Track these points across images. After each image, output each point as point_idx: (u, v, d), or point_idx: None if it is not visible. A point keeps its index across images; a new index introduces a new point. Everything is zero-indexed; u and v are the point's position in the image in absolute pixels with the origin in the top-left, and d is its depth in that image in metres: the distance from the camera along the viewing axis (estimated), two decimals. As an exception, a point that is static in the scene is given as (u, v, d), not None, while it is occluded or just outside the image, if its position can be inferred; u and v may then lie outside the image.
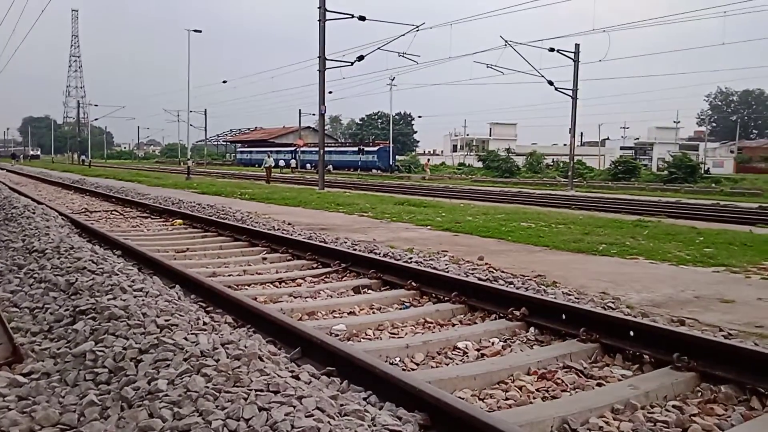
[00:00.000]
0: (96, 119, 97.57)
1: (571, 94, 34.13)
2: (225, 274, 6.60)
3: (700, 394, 3.40)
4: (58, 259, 6.11)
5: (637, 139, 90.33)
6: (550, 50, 31.49)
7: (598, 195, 27.68)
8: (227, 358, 3.09)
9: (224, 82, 48.63)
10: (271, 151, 45.34)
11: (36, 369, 3.37)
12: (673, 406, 3.20)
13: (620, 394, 3.27)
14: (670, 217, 15.04)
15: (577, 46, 33.95)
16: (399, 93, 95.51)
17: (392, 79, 56.31)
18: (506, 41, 29.68)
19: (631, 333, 4.00)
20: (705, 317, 4.88)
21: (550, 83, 33.13)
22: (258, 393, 2.68)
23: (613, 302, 5.34)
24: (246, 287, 5.96)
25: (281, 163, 65.28)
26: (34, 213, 10.76)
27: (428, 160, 66.36)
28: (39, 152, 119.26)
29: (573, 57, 33.56)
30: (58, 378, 3.22)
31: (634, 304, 5.34)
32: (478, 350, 4.17)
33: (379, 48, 27.23)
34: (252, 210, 13.79)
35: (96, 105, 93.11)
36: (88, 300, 4.37)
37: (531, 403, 3.28)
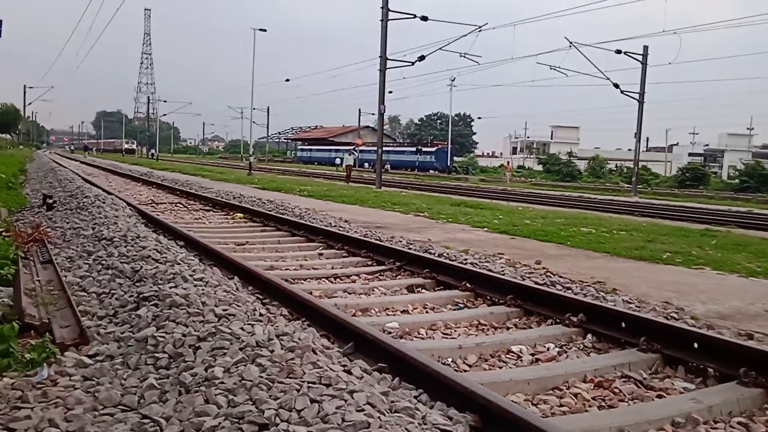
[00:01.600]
0: (164, 115, 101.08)
1: (637, 98, 33.10)
2: (282, 268, 6.71)
3: (768, 412, 3.23)
4: (125, 247, 6.36)
5: (707, 145, 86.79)
6: (617, 52, 30.65)
7: (663, 202, 26.73)
8: (282, 349, 3.14)
9: (287, 80, 49.63)
10: (331, 150, 45.87)
11: (101, 351, 3.51)
12: (739, 423, 3.05)
13: (682, 407, 3.14)
14: (740, 227, 14.38)
15: (645, 48, 32.90)
16: (459, 94, 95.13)
17: (452, 80, 56.04)
18: (571, 42, 29.05)
19: (695, 345, 3.84)
20: (776, 332, 4.64)
21: (616, 86, 32.22)
22: (310, 385, 2.71)
23: (676, 312, 5.14)
24: (302, 281, 6.04)
25: (336, 161, 66.16)
26: (104, 203, 11.23)
27: (509, 162, 60.29)
28: (134, 145, 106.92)
29: (641, 59, 32.54)
30: (120, 361, 3.35)
31: (699, 315, 5.13)
32: (532, 355, 4.10)
33: (440, 48, 27.16)
34: (310, 206, 13.98)
35: (165, 101, 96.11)
36: (151, 287, 4.53)
37: (586, 411, 3.20)
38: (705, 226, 13.38)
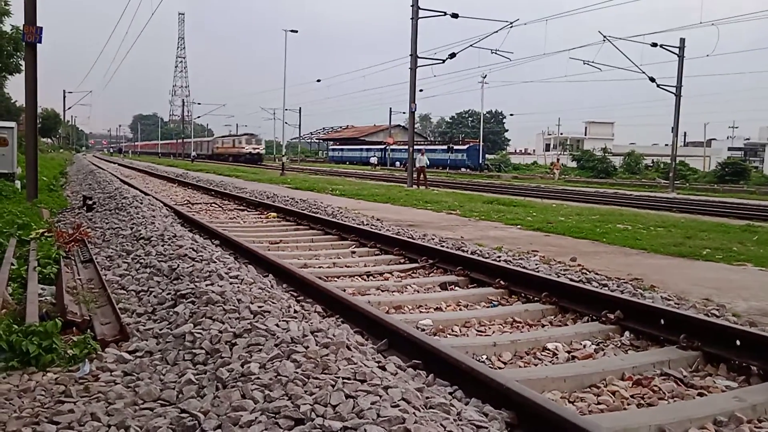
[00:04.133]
0: (198, 117, 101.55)
1: (674, 92, 32.38)
2: (315, 266, 6.76)
3: (815, 411, 3.13)
4: (162, 246, 6.48)
5: (747, 139, 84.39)
6: (652, 45, 30.01)
7: (702, 198, 26.11)
8: (316, 345, 3.16)
9: (318, 81, 49.86)
10: (362, 149, 45.73)
11: (140, 347, 3.59)
12: (785, 422, 2.96)
13: (724, 405, 3.07)
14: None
15: (682, 40, 32.15)
16: (490, 91, 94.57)
17: (484, 77, 55.64)
18: (605, 36, 28.56)
19: (738, 342, 3.74)
20: (823, 330, 4.48)
21: (652, 80, 31.55)
22: (345, 381, 2.72)
23: (717, 309, 5.02)
24: (335, 279, 6.07)
25: (372, 160, 66.34)
26: (141, 203, 11.47)
27: (558, 159, 56.00)
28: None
29: (678, 52, 31.82)
30: (159, 357, 3.42)
31: (741, 312, 5.00)
32: (568, 352, 4.05)
33: (471, 45, 26.99)
34: (342, 205, 14.04)
35: (199, 103, 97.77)
36: (188, 285, 4.61)
37: (625, 409, 3.14)
38: (746, 222, 13.02)
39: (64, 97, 73.63)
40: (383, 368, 3.06)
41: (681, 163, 45.64)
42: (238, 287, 4.46)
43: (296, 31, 42.28)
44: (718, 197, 27.80)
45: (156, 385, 2.97)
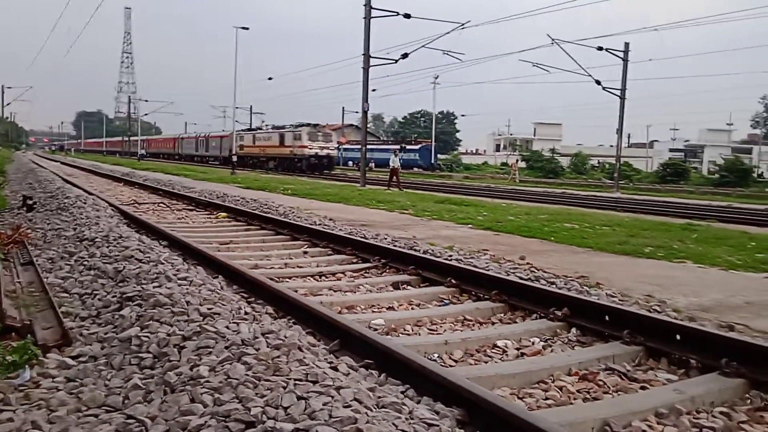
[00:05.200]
0: (146, 114, 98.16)
1: (619, 94, 33.38)
2: (267, 267, 6.68)
3: (749, 401, 3.28)
4: (107, 247, 6.30)
5: (687, 141, 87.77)
6: (598, 49, 30.85)
7: (644, 197, 27.01)
8: (267, 347, 3.13)
9: (270, 78, 49.19)
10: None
11: (84, 352, 3.47)
12: (721, 413, 3.09)
13: (665, 398, 3.18)
14: (720, 221, 14.56)
15: (626, 44, 33.17)
16: (442, 91, 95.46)
17: (436, 78, 56.08)
18: (553, 39, 29.21)
19: (678, 337, 3.89)
20: (756, 323, 4.70)
21: (598, 83, 32.45)
22: (297, 382, 2.70)
23: (658, 305, 5.20)
24: (287, 280, 6.02)
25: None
26: (85, 203, 11.11)
27: (516, 160, 55.76)
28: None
29: (622, 56, 32.81)
30: (104, 362, 3.32)
31: (681, 308, 5.19)
32: (518, 349, 4.12)
33: (423, 46, 27.15)
34: (294, 205, 13.94)
35: (146, 100, 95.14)
36: (134, 287, 4.49)
37: (571, 403, 3.22)
38: (686, 221, 13.54)
39: (3, 92, 70.60)
40: (335, 369, 3.05)
41: (625, 163, 47.04)
42: (187, 289, 4.38)
43: (247, 28, 41.58)
44: (659, 197, 28.81)
45: (101, 391, 2.88)
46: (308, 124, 46.49)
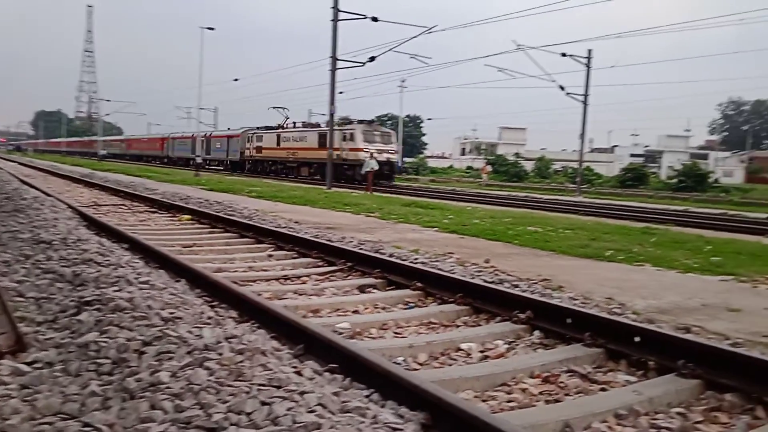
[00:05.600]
0: (107, 114, 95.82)
1: (582, 100, 34.01)
2: (231, 270, 6.61)
3: (704, 401, 3.36)
4: (65, 250, 6.14)
5: (647, 146, 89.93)
6: (562, 55, 31.42)
7: (605, 201, 27.55)
8: (230, 352, 3.09)
9: (235, 80, 48.68)
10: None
11: (39, 358, 3.37)
12: (677, 413, 3.17)
13: (624, 399, 3.25)
14: (678, 225, 14.93)
15: (589, 51, 33.83)
16: (409, 95, 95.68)
17: (403, 81, 56.25)
18: (518, 45, 29.62)
19: (637, 339, 3.97)
20: (711, 325, 4.84)
21: (562, 88, 33.03)
22: (260, 387, 2.67)
23: (618, 308, 5.30)
24: (251, 283, 5.96)
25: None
26: (42, 205, 10.82)
27: (486, 164, 55.75)
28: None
29: (585, 62, 33.44)
30: (61, 368, 3.23)
31: (640, 310, 5.31)
32: (481, 352, 4.16)
33: (390, 50, 27.23)
34: (259, 208, 13.82)
35: (108, 100, 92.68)
36: (93, 291, 4.39)
37: (534, 406, 3.26)
38: (645, 225, 13.86)
39: (-43, 90, 68.23)
40: (300, 373, 3.03)
41: (587, 168, 47.95)
42: (148, 293, 4.30)
43: (213, 29, 41.17)
44: (620, 201, 29.41)
45: (57, 398, 2.80)
46: (360, 121, 35.83)
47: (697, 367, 3.55)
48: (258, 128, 45.18)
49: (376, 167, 27.86)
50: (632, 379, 3.71)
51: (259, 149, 43.06)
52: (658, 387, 3.44)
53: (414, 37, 26.98)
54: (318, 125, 39.47)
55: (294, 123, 42.48)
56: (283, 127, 42.79)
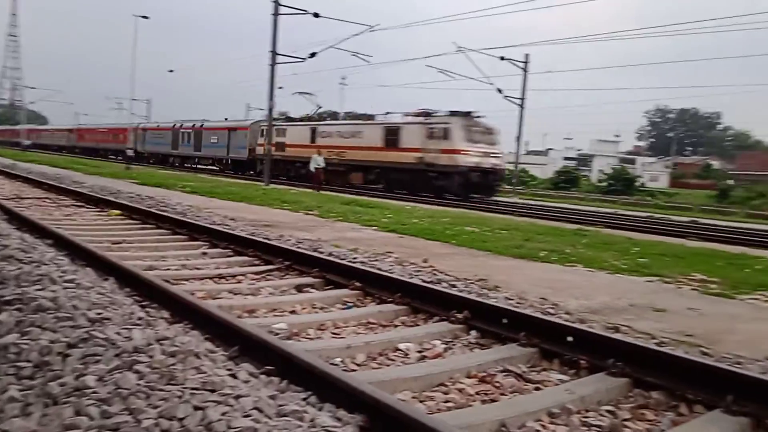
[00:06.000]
0: (32, 102, 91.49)
1: (519, 103, 34.83)
2: (163, 268, 6.39)
3: (632, 399, 3.48)
4: (-17, 246, 5.79)
5: (580, 150, 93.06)
6: (500, 59, 32.07)
7: (540, 203, 28.34)
8: (162, 354, 2.98)
9: (171, 71, 47.25)
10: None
11: (-48, 362, 3.16)
12: (607, 411, 3.27)
13: (557, 398, 3.32)
14: (608, 227, 15.51)
15: (526, 56, 34.69)
16: (350, 92, 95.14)
17: (343, 78, 56.07)
18: (459, 47, 30.00)
19: (569, 338, 4.07)
20: (639, 325, 5.03)
21: (499, 91, 33.73)
22: (193, 391, 2.58)
23: (552, 308, 5.44)
24: (184, 282, 5.78)
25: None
26: (-41, 197, 10.18)
27: None
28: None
29: (522, 67, 34.26)
30: (-24, 372, 3.03)
31: (572, 310, 5.46)
32: (419, 352, 4.17)
33: (332, 46, 27.11)
34: (194, 203, 13.46)
35: (33, 88, 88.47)
36: (14, 290, 4.14)
37: (470, 406, 3.29)
38: (577, 226, 14.32)
39: None
40: (235, 376, 2.95)
41: (523, 170, 49.14)
42: (74, 292, 4.10)
43: (147, 17, 39.92)
44: (553, 202, 30.33)
45: (-30, 406, 2.63)
46: (454, 113, 25.89)
47: (625, 366, 3.68)
48: (286, 118, 35.77)
49: (323, 164, 26.43)
50: (565, 378, 3.81)
51: (280, 146, 32.52)
52: (589, 385, 3.53)
53: (356, 34, 26.96)
54: (372, 117, 30.11)
55: (324, 114, 34.38)
56: (320, 118, 33.57)
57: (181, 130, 43.57)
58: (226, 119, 43.61)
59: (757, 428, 3.09)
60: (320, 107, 35.00)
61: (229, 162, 40.17)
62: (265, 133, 30.80)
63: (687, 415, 3.28)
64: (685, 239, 13.25)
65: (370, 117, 30.36)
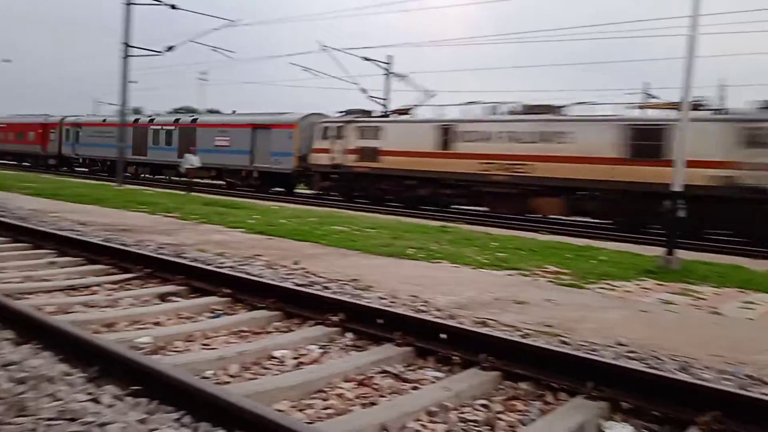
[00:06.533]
0: None
1: (382, 103, 35.50)
2: (3, 281, 5.74)
3: (503, 391, 3.64)
4: None
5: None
6: (364, 59, 32.46)
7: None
8: (9, 382, 2.65)
9: (7, 60, 42.90)
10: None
11: None
12: (482, 405, 3.39)
13: (434, 396, 3.38)
14: (468, 223, 16.23)
15: (389, 57, 35.40)
16: (211, 88, 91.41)
17: (203, 73, 53.95)
18: (324, 46, 29.95)
19: (442, 335, 4.18)
20: (504, 318, 5.29)
21: (364, 91, 34.14)
22: (50, 423, 2.32)
23: (423, 305, 5.57)
24: (29, 296, 5.23)
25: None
26: None
27: None
28: None
29: (385, 67, 34.95)
30: None
31: (442, 306, 5.62)
32: (295, 359, 4.07)
33: (191, 40, 25.92)
34: (38, 207, 12.29)
35: None
36: None
37: (350, 411, 3.26)
38: (441, 223, 14.86)
39: None
40: (97, 401, 2.70)
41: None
42: None
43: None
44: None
45: None
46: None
47: (495, 360, 3.84)
48: (361, 112, 24.92)
49: (197, 164, 23.78)
50: (441, 375, 3.89)
51: (370, 154, 22.55)
52: (463, 381, 3.64)
53: (216, 29, 25.99)
54: (557, 110, 19.96)
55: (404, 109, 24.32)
56: (400, 112, 24.37)
57: (153, 127, 32.29)
58: (234, 112, 32.55)
59: (614, 411, 3.36)
60: (433, 94, 24.10)
61: (256, 175, 27.44)
62: (327, 132, 23.75)
63: (554, 403, 3.48)
64: (537, 233, 14.19)
65: (555, 109, 19.87)
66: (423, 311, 5.29)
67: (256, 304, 5.21)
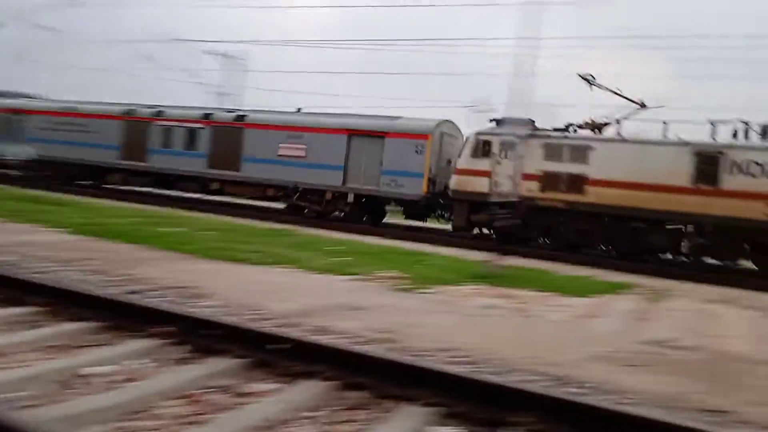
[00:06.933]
0: None
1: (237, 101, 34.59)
2: None
3: (343, 402, 3.57)
4: None
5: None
6: (222, 56, 31.31)
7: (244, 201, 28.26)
8: None
9: None
10: None
11: None
12: (322, 417, 3.29)
13: (271, 410, 3.25)
14: (312, 226, 16.09)
15: (246, 53, 34.40)
16: (34, 73, 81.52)
17: (21, 53, 48.50)
18: (175, 38, 28.18)
19: (282, 346, 4.04)
20: (344, 325, 5.24)
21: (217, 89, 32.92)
22: None
23: (264, 313, 5.41)
24: None
25: None
26: None
27: None
28: None
29: (243, 64, 34.11)
30: None
31: (285, 313, 5.47)
32: (116, 376, 3.70)
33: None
34: None
35: None
36: None
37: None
38: (282, 226, 14.55)
39: None
40: None
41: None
42: None
43: None
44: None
45: None
46: None
47: (335, 370, 3.76)
48: (533, 127, 16.94)
49: (35, 155, 19.99)
50: (278, 387, 3.70)
51: (573, 183, 15.90)
52: (303, 393, 3.53)
53: (50, 5, 23.19)
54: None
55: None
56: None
57: (161, 123, 22.12)
58: (299, 109, 21.83)
59: (445, 417, 3.43)
60: (643, 106, 16.96)
61: (350, 199, 19.07)
62: (486, 148, 16.77)
63: (391, 411, 3.46)
64: (382, 237, 14.41)
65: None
66: (264, 319, 5.11)
67: (74, 316, 4.66)
